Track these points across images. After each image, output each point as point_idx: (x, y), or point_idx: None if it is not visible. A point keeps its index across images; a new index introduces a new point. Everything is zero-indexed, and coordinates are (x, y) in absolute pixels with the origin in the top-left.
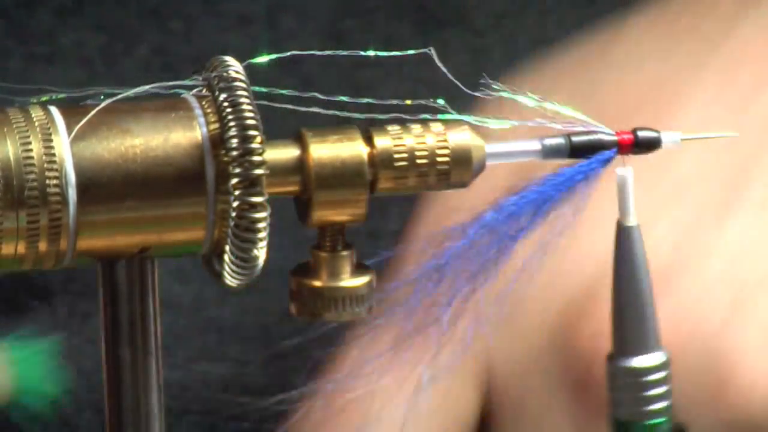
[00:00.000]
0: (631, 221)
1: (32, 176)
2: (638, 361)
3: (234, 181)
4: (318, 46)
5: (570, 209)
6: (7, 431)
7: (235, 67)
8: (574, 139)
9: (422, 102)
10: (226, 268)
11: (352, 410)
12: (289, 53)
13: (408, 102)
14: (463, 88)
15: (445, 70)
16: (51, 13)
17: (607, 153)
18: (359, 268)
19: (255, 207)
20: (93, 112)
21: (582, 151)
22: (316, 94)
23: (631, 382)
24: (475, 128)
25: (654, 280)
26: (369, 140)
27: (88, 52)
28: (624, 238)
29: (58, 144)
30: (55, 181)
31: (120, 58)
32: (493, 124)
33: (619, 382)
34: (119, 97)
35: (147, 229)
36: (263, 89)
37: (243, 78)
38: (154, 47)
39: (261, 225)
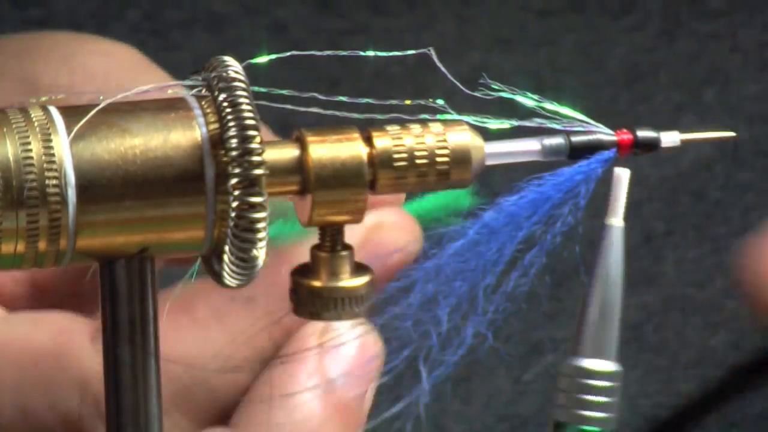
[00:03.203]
0: (618, 222)
1: (32, 176)
2: (588, 363)
3: (233, 181)
4: (305, 11)
5: (569, 209)
6: None
7: (234, 67)
8: (574, 139)
9: (422, 102)
10: (226, 268)
11: None
12: (288, 53)
13: (408, 102)
14: (462, 87)
15: (444, 70)
16: None
17: (606, 153)
18: (359, 268)
19: (254, 207)
20: (92, 112)
21: (581, 151)
22: (316, 95)
23: (575, 383)
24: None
25: None
26: (368, 140)
27: (80, 17)
28: (608, 237)
29: (57, 144)
30: (54, 182)
31: (111, 21)
32: (492, 124)
33: (564, 382)
34: (119, 97)
35: (146, 229)
36: (263, 89)
37: (242, 78)
38: (145, 12)
39: (260, 225)
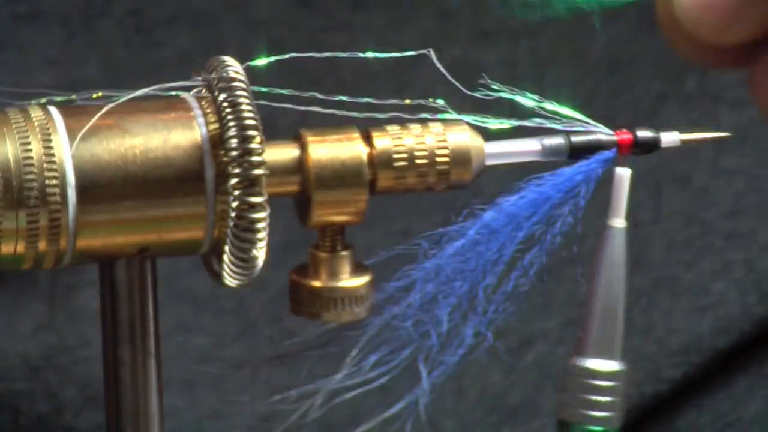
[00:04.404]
0: (619, 223)
1: (32, 176)
2: (593, 363)
3: (233, 181)
4: (285, 8)
5: (569, 209)
6: None
7: (234, 67)
8: (574, 139)
9: (422, 102)
10: (226, 268)
11: None
12: (288, 55)
13: (408, 101)
14: (461, 87)
15: (444, 70)
16: None
17: (606, 153)
18: (359, 269)
19: (254, 207)
20: (96, 117)
21: (581, 151)
22: (316, 95)
23: (580, 383)
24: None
25: None
26: (368, 140)
27: (68, 13)
28: (610, 238)
29: (57, 144)
30: (54, 182)
31: (97, 18)
32: (492, 124)
33: (569, 382)
34: (121, 101)
35: (146, 229)
36: (263, 89)
37: (242, 78)
38: (130, 9)
39: (260, 225)
